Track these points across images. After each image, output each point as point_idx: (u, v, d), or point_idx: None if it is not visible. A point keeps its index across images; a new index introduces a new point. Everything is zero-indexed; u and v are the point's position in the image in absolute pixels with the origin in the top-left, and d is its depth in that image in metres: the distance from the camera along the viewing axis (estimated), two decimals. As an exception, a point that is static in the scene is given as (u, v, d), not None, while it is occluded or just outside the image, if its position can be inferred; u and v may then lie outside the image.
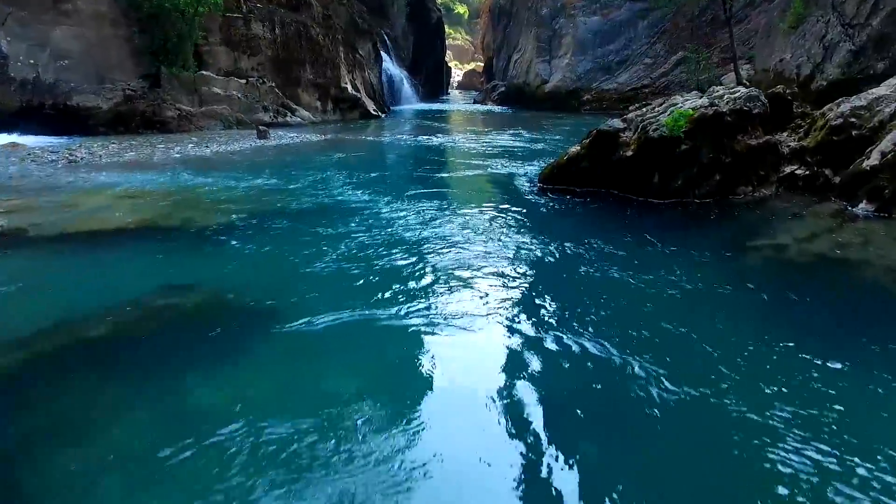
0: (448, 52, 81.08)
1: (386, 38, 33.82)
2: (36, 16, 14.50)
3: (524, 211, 7.04)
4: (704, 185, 6.90)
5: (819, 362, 3.35)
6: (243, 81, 18.49)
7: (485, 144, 13.65)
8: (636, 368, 3.32)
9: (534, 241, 5.90)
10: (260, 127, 14.79)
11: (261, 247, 5.78)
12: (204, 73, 17.66)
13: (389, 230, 6.28)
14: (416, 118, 24.67)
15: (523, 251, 5.61)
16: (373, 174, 9.79)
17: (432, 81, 45.98)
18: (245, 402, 2.99)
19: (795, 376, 3.21)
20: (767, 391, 3.05)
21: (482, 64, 54.00)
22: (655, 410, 2.91)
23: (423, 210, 7.02)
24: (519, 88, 30.34)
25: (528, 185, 8.53)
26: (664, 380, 3.17)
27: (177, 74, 16.96)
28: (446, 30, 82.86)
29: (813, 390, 3.07)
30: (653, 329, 3.84)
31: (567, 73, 26.97)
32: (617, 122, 7.57)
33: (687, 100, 7.36)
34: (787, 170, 7.40)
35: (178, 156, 12.06)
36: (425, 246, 5.76)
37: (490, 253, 5.55)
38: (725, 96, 7.35)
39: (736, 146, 6.94)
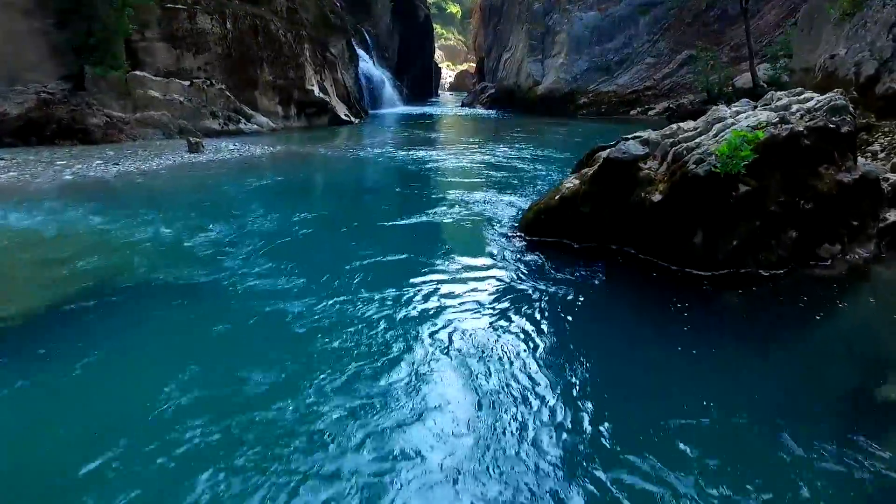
0: (440, 52, 78.85)
1: (367, 36, 31.34)
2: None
3: (492, 290, 4.53)
4: (774, 248, 4.42)
5: None
6: (187, 83, 15.93)
7: (463, 163, 11.12)
8: None
9: (495, 361, 3.42)
10: (191, 139, 12.25)
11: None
12: (138, 73, 15.10)
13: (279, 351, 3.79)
14: (395, 125, 22.16)
15: (476, 391, 3.14)
16: (301, 214, 7.18)
17: (420, 83, 43.53)
18: None
19: None
20: None
21: (475, 65, 51.74)
22: None
23: (337, 305, 4.28)
24: (509, 90, 27.90)
25: (506, 235, 6.03)
26: None
27: (104, 75, 14.40)
28: (438, 30, 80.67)
29: None
30: None
31: (561, 73, 24.53)
32: (634, 146, 5.02)
33: (741, 112, 4.90)
34: (891, 217, 4.94)
35: (70, 177, 9.51)
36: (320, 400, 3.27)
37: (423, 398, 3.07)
38: (794, 106, 4.89)
39: (819, 184, 4.48)
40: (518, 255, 5.30)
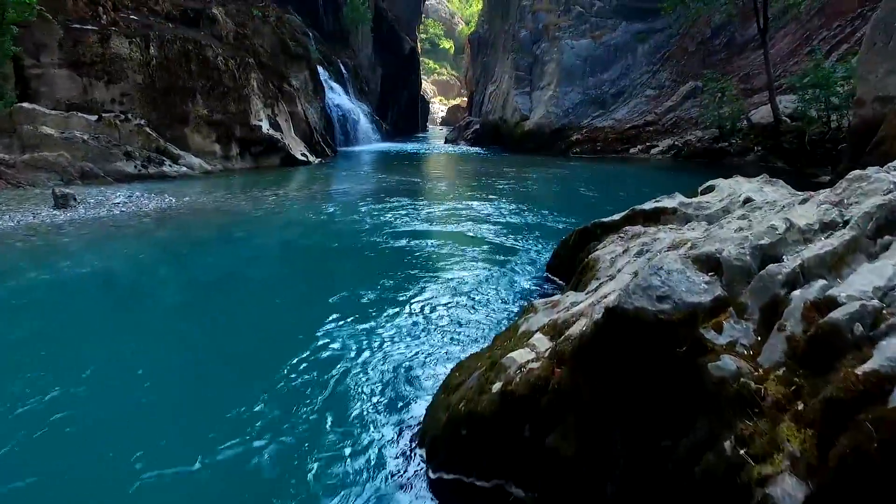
0: (433, 87, 77.65)
1: (343, 67, 29.04)
2: None
3: None
4: None
5: None
6: (94, 118, 13.12)
7: (426, 232, 8.04)
8: None
9: None
10: (58, 190, 9.26)
11: None
12: (27, 105, 12.30)
13: None
14: (360, 166, 19.34)
15: None
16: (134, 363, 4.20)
17: (406, 117, 41.32)
18: None
19: None
20: None
21: (467, 99, 49.89)
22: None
23: None
24: (494, 126, 25.31)
25: (400, 454, 2.78)
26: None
27: (-21, 108, 11.59)
28: (431, 65, 79.78)
29: None
30: None
31: (551, 107, 21.92)
32: (683, 273, 1.76)
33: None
34: None
35: None
36: None
37: None
38: None
39: None
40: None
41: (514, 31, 23.57)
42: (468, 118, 32.36)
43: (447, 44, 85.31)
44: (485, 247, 6.92)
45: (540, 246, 6.89)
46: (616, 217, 4.82)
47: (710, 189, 4.85)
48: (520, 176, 15.42)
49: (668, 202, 4.39)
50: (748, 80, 20.46)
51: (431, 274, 5.80)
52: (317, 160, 18.90)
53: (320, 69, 24.66)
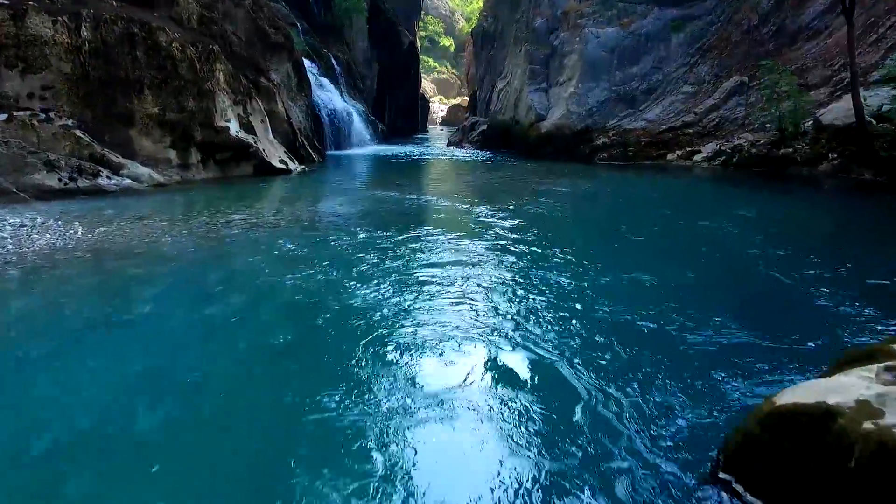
0: (432, 86, 74.68)
1: (334, 61, 26.14)
2: None
3: None
4: None
5: None
6: (2, 117, 10.18)
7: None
8: None
9: None
10: None
11: None
12: None
13: None
14: (352, 176, 16.45)
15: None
16: None
17: (405, 117, 38.51)
18: None
19: None
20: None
21: (468, 98, 47.07)
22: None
23: None
24: (504, 127, 22.38)
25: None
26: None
27: None
28: (431, 63, 76.80)
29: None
30: None
31: (572, 105, 18.99)
32: None
33: None
34: None
35: None
36: None
37: None
38: None
39: None
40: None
41: (528, 19, 20.65)
42: (474, 118, 29.44)
43: (447, 41, 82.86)
44: (558, 399, 3.46)
45: (677, 397, 3.29)
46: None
47: None
48: (538, 190, 12.49)
49: None
50: (802, 74, 17.57)
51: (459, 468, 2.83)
52: (299, 167, 15.97)
53: (308, 63, 21.75)
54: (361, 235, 7.46)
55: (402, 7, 39.53)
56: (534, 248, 6.94)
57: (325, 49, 26.16)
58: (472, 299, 4.99)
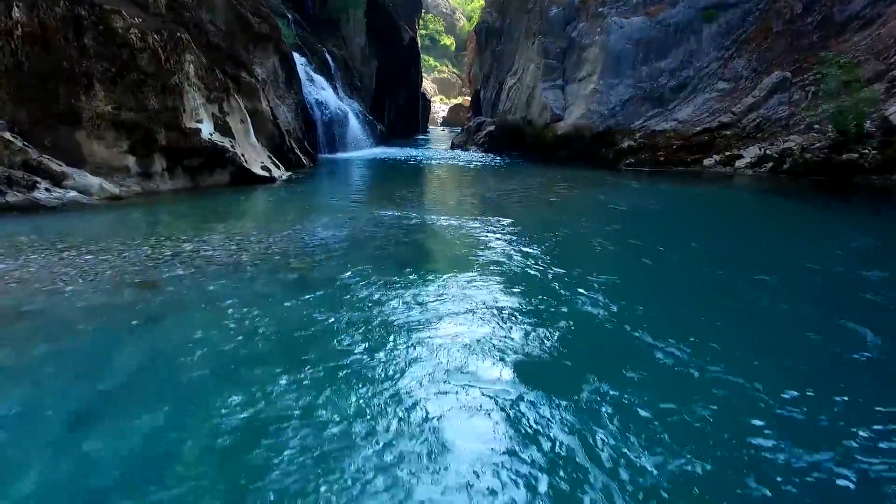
0: (433, 86, 72.57)
1: (329, 57, 24.16)
2: None
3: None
4: None
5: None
6: None
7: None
8: None
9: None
10: None
11: None
12: None
13: None
14: (345, 185, 14.49)
15: None
16: None
17: (405, 117, 36.52)
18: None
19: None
20: None
21: (470, 98, 45.11)
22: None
23: None
24: (515, 128, 20.37)
25: None
26: None
27: None
28: (431, 62, 74.66)
29: None
30: None
31: (593, 104, 17.00)
32: None
33: None
34: None
35: None
36: None
37: None
38: None
39: None
40: None
41: (542, 8, 18.65)
42: (479, 118, 27.46)
43: (448, 40, 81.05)
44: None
45: None
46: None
47: None
48: (562, 208, 10.47)
49: None
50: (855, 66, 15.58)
51: None
52: (285, 174, 13.96)
53: (300, 59, 19.77)
54: (345, 282, 5.42)
55: (403, 4, 37.59)
56: (575, 319, 4.93)
57: (319, 44, 24.18)
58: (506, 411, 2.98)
